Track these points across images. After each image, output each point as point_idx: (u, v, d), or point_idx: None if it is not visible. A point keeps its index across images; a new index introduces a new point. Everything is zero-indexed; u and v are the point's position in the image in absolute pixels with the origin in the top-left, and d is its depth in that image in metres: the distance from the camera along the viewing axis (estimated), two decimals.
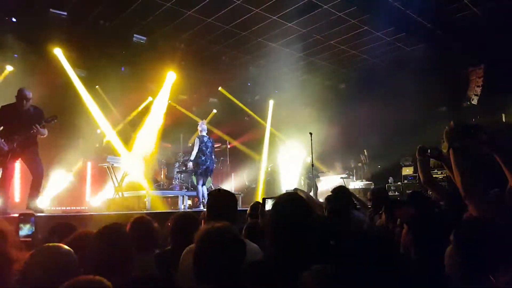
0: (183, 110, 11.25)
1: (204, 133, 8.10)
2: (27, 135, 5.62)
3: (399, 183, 10.80)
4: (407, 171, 10.91)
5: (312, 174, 9.31)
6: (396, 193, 10.50)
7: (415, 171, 10.80)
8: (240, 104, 11.87)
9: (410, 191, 8.37)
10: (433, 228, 2.07)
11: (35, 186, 5.74)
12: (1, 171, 5.71)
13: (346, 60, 10.85)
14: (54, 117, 5.85)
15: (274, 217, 1.93)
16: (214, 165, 8.49)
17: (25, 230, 2.71)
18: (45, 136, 5.86)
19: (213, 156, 8.16)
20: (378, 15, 8.26)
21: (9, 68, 8.39)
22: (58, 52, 8.61)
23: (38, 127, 5.62)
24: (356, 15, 8.38)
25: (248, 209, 4.21)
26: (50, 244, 1.79)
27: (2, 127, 5.64)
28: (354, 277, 1.58)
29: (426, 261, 1.97)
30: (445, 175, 9.92)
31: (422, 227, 2.13)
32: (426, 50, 9.65)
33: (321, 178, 11.25)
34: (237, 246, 1.88)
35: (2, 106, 5.76)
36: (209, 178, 8.63)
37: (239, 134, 12.37)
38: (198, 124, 8.33)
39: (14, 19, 8.04)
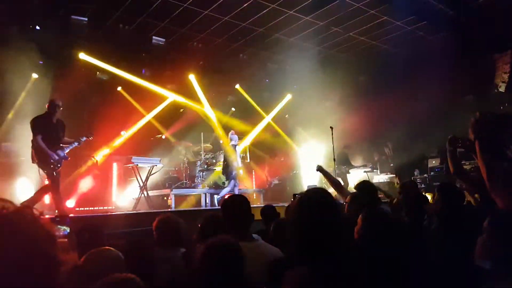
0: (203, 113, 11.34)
1: (235, 143, 8.78)
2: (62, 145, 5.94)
3: (425, 175, 10.57)
4: (433, 162, 10.66)
5: (334, 168, 9.23)
6: (423, 186, 10.27)
7: (442, 162, 10.55)
8: (254, 104, 11.85)
9: (438, 183, 8.18)
10: (465, 220, 2.02)
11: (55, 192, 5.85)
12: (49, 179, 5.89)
13: (366, 51, 10.68)
14: (91, 134, 6.27)
15: (299, 215, 1.88)
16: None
17: (61, 231, 2.79)
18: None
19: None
20: (398, 4, 8.10)
21: (34, 76, 8.61)
22: (83, 56, 8.84)
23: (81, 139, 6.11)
24: (375, 5, 8.23)
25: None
26: (101, 248, 1.88)
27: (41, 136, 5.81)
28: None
29: (458, 253, 1.92)
30: (473, 166, 9.68)
31: (453, 220, 2.08)
32: (448, 38, 9.39)
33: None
34: (235, 260, 1.88)
35: (36, 117, 5.93)
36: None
37: (258, 131, 12.36)
38: (229, 133, 9.05)
39: (38, 27, 8.26)
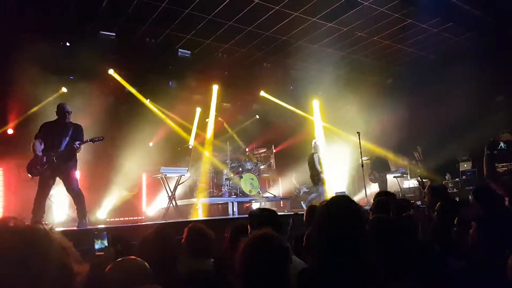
0: (228, 129, 11.47)
1: (317, 151, 9.50)
2: (67, 150, 5.74)
3: (457, 179, 10.28)
4: (465, 166, 10.36)
5: (363, 174, 9.13)
6: (455, 190, 9.98)
7: (474, 165, 10.24)
8: (287, 105, 11.82)
9: (472, 186, 7.92)
10: (503, 227, 1.95)
11: (79, 205, 5.76)
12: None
13: (391, 55, 10.54)
14: (100, 138, 6.00)
15: (322, 223, 1.86)
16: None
17: (99, 244, 2.85)
18: (79, 151, 5.93)
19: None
20: (422, 6, 7.96)
21: (64, 90, 8.90)
22: (111, 73, 9.14)
23: (77, 144, 5.74)
24: (399, 8, 8.13)
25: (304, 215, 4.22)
26: (127, 257, 1.90)
27: (43, 142, 5.74)
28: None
29: (495, 262, 1.86)
30: (506, 169, 9.34)
31: (491, 226, 2.00)
32: (476, 38, 9.17)
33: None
34: (282, 253, 1.84)
35: (44, 123, 5.96)
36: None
37: (283, 138, 12.35)
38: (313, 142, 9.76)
39: (68, 44, 8.58)
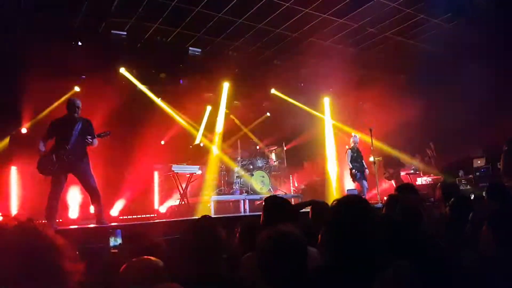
0: (240, 125, 11.50)
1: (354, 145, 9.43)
2: (77, 146, 5.67)
3: (470, 176, 10.15)
4: (479, 162, 10.22)
5: (364, 173, 9.20)
6: (468, 187, 9.86)
7: (487, 162, 10.10)
8: (297, 103, 11.81)
9: (486, 183, 7.80)
10: None
11: (96, 201, 5.72)
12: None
13: (403, 51, 10.41)
14: (107, 132, 5.92)
15: (333, 222, 1.86)
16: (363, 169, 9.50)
17: (113, 241, 2.87)
18: (95, 146, 5.88)
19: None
20: (434, 1, 7.87)
21: (76, 89, 9.00)
22: (123, 71, 9.22)
23: (89, 138, 5.68)
24: (410, 4, 8.05)
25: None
26: (142, 257, 1.90)
27: (53, 138, 5.70)
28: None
29: (508, 260, 1.83)
30: None
31: (505, 224, 1.97)
32: (489, 33, 9.00)
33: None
34: (298, 249, 1.86)
35: (52, 121, 5.87)
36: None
37: (294, 135, 12.32)
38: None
39: (80, 43, 8.67)
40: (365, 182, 9.24)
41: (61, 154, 5.59)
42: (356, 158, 9.27)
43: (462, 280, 1.94)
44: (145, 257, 1.91)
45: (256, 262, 1.89)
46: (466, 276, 1.96)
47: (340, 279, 1.68)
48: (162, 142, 10.11)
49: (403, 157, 10.54)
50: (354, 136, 9.57)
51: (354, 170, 9.18)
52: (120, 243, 2.88)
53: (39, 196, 6.58)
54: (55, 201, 5.57)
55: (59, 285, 0.96)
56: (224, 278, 2.06)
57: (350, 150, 9.35)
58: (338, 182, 11.62)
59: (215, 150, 10.15)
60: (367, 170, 9.43)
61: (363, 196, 8.07)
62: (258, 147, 10.82)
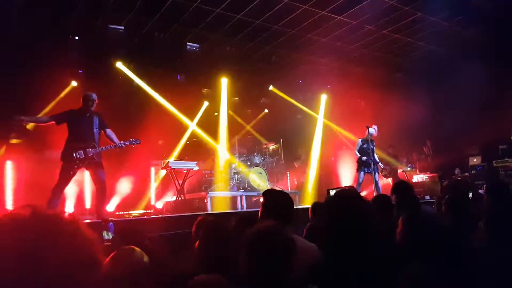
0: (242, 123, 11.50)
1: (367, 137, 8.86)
2: (98, 142, 5.68)
3: (466, 173, 10.22)
4: (474, 160, 10.29)
5: (373, 168, 9.10)
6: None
7: (483, 160, 10.16)
8: (293, 101, 11.82)
9: (482, 181, 7.85)
10: None
11: (101, 197, 5.60)
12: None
13: (401, 48, 10.44)
14: (137, 140, 5.93)
15: (326, 218, 1.84)
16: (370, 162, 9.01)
17: (105, 235, 2.87)
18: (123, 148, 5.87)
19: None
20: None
21: (74, 84, 8.97)
22: (120, 66, 9.18)
23: (122, 143, 5.74)
24: (409, 1, 8.05)
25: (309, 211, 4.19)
26: (125, 247, 1.87)
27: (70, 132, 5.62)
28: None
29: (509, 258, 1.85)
30: None
31: (505, 222, 1.99)
32: (487, 32, 9.02)
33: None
34: (285, 248, 1.77)
35: (68, 111, 5.73)
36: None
37: (292, 132, 12.33)
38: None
39: (77, 38, 8.62)
40: (376, 176, 8.77)
41: (90, 153, 5.55)
42: (365, 150, 8.88)
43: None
44: (130, 247, 1.87)
45: (241, 259, 1.78)
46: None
47: (332, 274, 1.69)
48: (160, 142, 10.08)
49: (390, 160, 10.53)
50: (372, 127, 9.06)
51: (359, 161, 8.88)
52: (113, 237, 2.87)
53: (34, 190, 6.58)
54: (60, 193, 5.52)
55: (94, 275, 0.94)
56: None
57: (360, 140, 9.09)
58: (318, 183, 11.52)
59: (219, 148, 10.15)
60: (379, 164, 9.15)
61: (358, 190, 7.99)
62: (265, 145, 10.89)
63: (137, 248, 1.85)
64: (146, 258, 1.86)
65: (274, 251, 1.73)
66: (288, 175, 11.72)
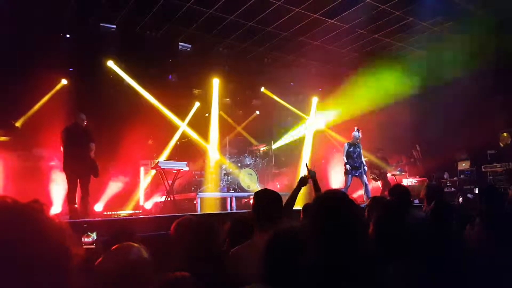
0: (234, 124, 11.49)
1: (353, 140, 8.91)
2: (88, 152, 6.65)
3: (455, 178, 10.31)
4: (463, 165, 10.40)
5: (362, 170, 9.11)
6: (453, 189, 10.02)
7: (472, 165, 10.27)
8: (284, 103, 11.86)
9: (471, 185, 7.91)
10: (506, 225, 1.96)
11: (88, 197, 6.65)
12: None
13: (392, 53, 10.52)
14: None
15: (314, 219, 1.84)
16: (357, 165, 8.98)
17: (89, 237, 2.83)
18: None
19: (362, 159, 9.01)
20: (424, 4, 7.97)
21: (64, 82, 8.88)
22: (111, 64, 9.11)
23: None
24: (401, 6, 8.12)
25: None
26: (124, 244, 1.83)
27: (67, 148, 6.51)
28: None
29: (503, 260, 1.86)
30: (504, 168, 9.37)
31: (498, 224, 2.01)
32: (476, 37, 9.13)
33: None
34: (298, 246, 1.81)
35: (65, 129, 6.60)
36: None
37: (283, 134, 12.36)
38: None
39: (68, 35, 8.54)
40: (364, 178, 8.77)
41: (87, 161, 6.62)
42: (351, 154, 8.85)
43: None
44: (127, 243, 1.83)
45: (263, 260, 1.78)
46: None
47: (322, 276, 1.68)
48: (150, 142, 10.02)
49: (380, 163, 10.57)
50: (356, 130, 9.08)
51: (347, 166, 8.76)
52: (95, 238, 2.83)
53: (21, 187, 6.56)
54: (74, 194, 6.55)
55: (64, 267, 0.92)
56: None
57: (346, 144, 9.01)
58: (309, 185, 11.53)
59: (210, 149, 10.12)
60: (365, 167, 9.07)
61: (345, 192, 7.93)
62: (255, 147, 10.89)
63: (135, 244, 1.81)
64: (145, 254, 1.82)
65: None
66: (279, 176, 11.73)
